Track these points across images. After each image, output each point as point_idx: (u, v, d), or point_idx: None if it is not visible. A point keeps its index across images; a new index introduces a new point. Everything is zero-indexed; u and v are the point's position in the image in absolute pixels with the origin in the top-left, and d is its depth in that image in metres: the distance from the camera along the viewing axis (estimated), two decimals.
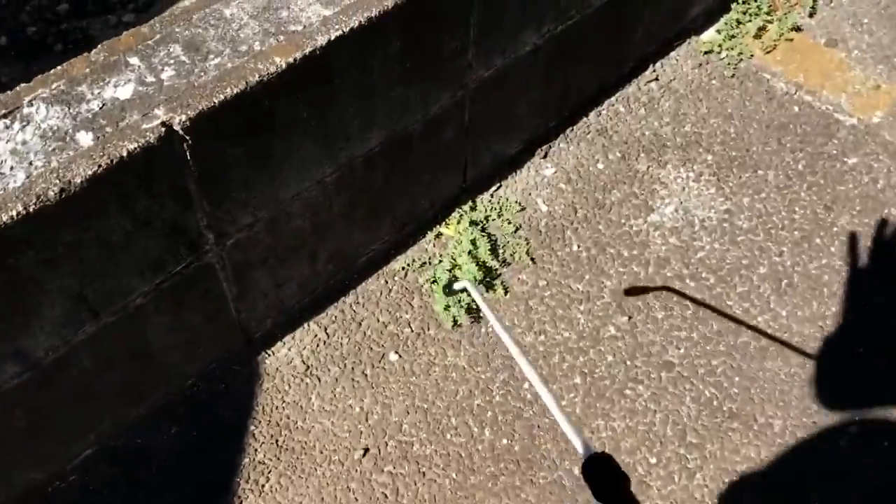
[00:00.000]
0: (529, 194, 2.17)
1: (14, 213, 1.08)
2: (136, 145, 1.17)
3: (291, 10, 1.40)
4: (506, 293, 1.97)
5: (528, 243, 2.05)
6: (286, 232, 1.62)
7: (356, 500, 1.64)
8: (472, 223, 2.05)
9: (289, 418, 1.75)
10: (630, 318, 1.92)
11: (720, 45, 2.55)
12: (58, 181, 1.12)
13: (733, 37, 2.57)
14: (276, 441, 1.71)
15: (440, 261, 1.97)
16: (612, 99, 2.41)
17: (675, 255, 2.05)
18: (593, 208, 2.14)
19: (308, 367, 1.82)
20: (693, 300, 1.95)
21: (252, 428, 1.73)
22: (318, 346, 1.85)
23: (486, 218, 2.09)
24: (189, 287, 1.49)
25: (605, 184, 2.20)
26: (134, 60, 1.30)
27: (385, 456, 1.71)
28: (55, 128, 1.20)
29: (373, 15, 1.38)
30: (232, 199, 1.42)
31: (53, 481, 1.59)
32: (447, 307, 1.87)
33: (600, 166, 2.24)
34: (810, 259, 2.05)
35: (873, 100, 2.41)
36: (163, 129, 1.20)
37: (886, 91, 2.43)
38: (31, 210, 1.09)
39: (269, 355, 1.83)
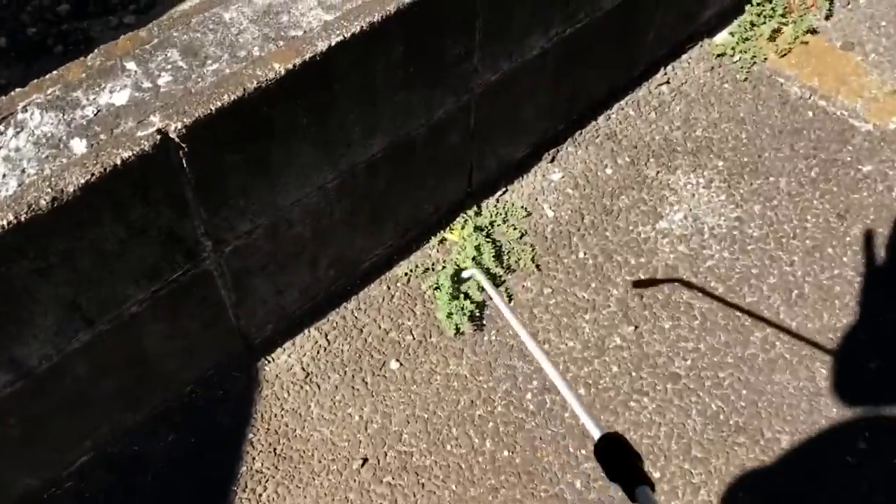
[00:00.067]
0: (536, 199, 2.13)
1: (4, 222, 1.06)
2: (130, 153, 1.15)
3: (292, 14, 1.37)
4: (510, 301, 1.93)
5: (533, 250, 2.01)
6: (286, 238, 1.59)
7: None
8: (477, 228, 2.01)
9: (287, 426, 1.72)
10: (636, 327, 1.89)
11: (733, 48, 2.50)
12: (50, 190, 1.09)
13: (747, 39, 2.51)
14: (275, 449, 1.69)
15: (444, 267, 1.94)
16: (622, 102, 2.36)
17: (684, 264, 2.01)
18: (601, 214, 2.11)
19: (308, 374, 1.79)
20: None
21: (250, 436, 1.71)
22: (318, 352, 1.83)
23: (492, 223, 2.05)
24: (186, 294, 1.47)
25: (613, 189, 2.16)
26: (131, 65, 1.27)
27: (384, 466, 1.68)
28: (49, 134, 1.17)
29: (375, 20, 1.35)
30: (230, 206, 1.39)
31: (49, 488, 1.58)
32: (450, 314, 1.84)
33: (609, 171, 2.20)
34: (822, 269, 2.00)
35: (890, 105, 2.35)
36: (158, 137, 1.17)
37: None
38: (22, 220, 1.07)
39: (269, 362, 1.81)
